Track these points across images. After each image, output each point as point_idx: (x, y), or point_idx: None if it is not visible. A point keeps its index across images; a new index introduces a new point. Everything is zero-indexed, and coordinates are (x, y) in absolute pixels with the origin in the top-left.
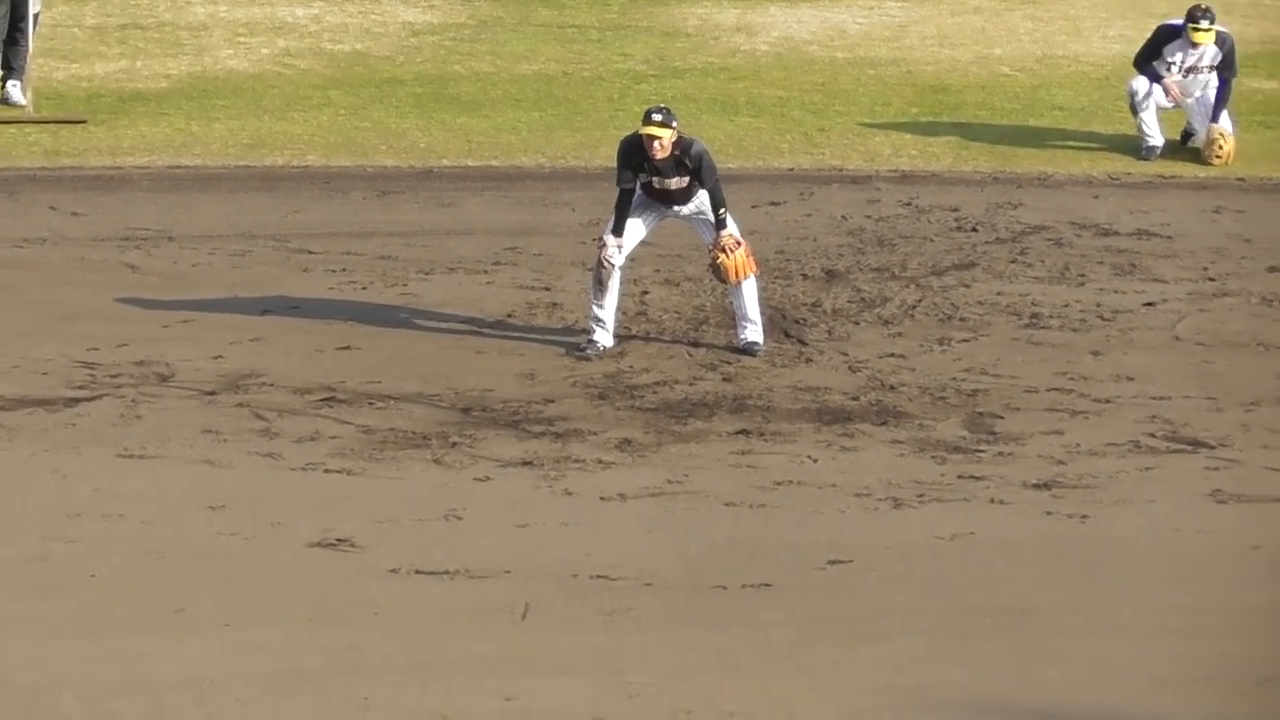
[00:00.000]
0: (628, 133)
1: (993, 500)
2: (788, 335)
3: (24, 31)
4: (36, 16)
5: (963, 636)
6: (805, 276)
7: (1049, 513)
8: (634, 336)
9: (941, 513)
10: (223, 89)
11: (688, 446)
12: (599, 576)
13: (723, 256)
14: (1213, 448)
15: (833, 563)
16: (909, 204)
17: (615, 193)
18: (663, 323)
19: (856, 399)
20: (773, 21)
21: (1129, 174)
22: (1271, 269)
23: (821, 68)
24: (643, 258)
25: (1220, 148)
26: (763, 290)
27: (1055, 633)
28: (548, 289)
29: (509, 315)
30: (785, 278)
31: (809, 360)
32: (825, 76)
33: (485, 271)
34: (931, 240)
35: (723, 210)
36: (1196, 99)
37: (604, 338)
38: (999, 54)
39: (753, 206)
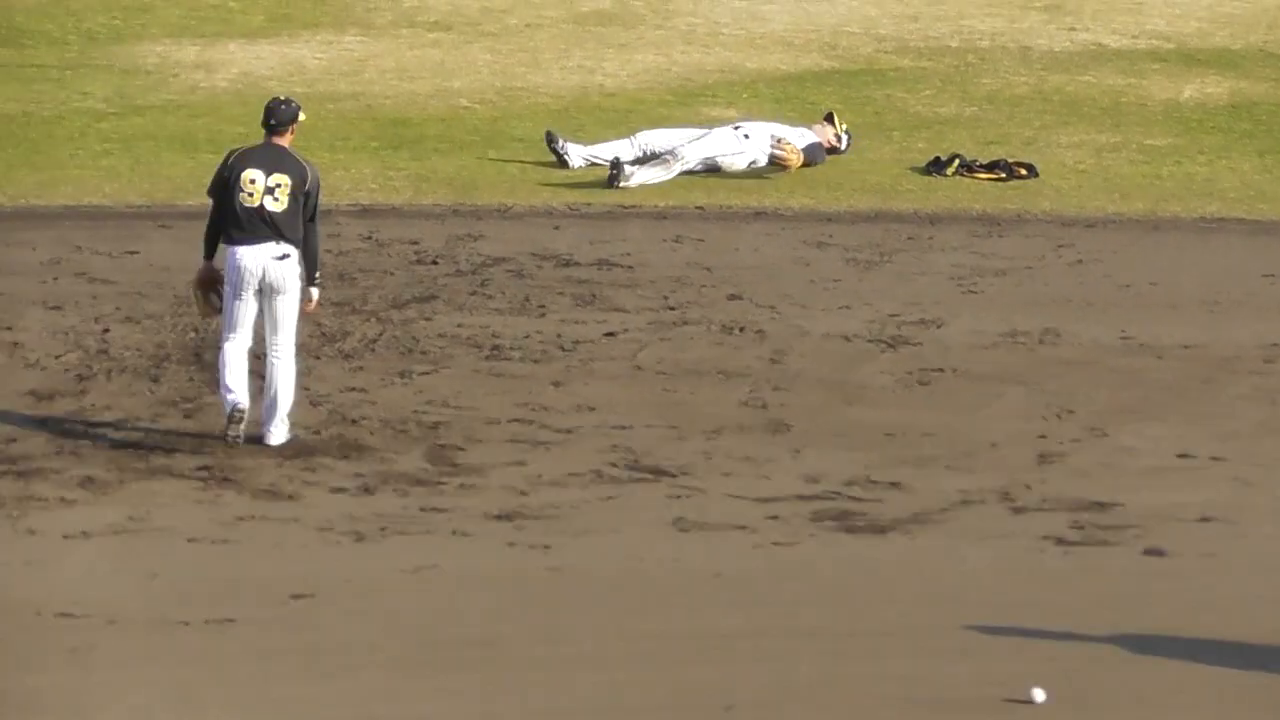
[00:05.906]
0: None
1: (455, 532)
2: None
3: None
4: None
5: (428, 669)
6: None
7: (512, 544)
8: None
9: (405, 545)
10: None
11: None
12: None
13: None
14: (675, 476)
15: (296, 597)
16: (369, 238)
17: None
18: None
19: (318, 433)
20: (232, 58)
21: (589, 204)
22: (731, 297)
23: None
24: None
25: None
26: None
27: (519, 663)
28: (9, 329)
29: None
30: None
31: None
32: None
33: None
34: (392, 274)
35: None
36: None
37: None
38: (458, 86)
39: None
